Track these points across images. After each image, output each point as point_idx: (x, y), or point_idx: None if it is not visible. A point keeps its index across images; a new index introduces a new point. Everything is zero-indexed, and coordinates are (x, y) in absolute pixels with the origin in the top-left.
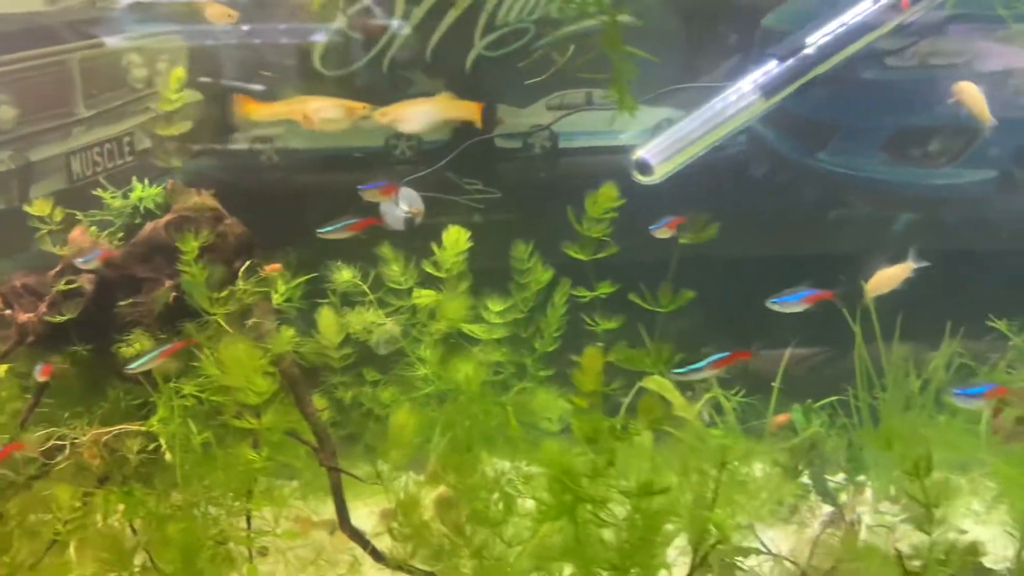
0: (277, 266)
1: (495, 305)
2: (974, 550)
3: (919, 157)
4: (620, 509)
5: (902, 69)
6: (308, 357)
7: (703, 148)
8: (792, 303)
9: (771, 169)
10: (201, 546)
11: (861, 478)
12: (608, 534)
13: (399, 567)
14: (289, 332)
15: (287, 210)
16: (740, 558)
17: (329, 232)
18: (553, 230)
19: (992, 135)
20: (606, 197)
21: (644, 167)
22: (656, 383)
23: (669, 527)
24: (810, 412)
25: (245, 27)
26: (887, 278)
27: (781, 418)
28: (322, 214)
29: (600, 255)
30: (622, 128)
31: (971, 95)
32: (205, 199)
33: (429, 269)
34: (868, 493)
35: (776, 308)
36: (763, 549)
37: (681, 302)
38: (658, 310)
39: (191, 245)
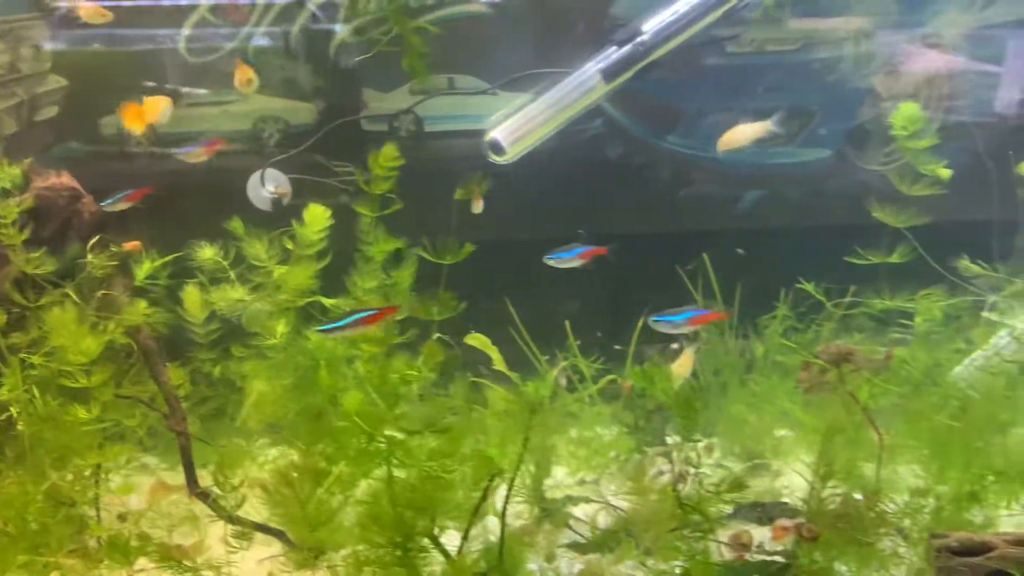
0: (136, 244)
1: (361, 281)
2: (739, 484)
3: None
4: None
5: (741, 55)
6: (161, 330)
7: (552, 129)
8: (567, 259)
9: (626, 151)
10: (45, 507)
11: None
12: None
13: (231, 520)
14: (142, 304)
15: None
16: (572, 506)
17: None
18: (418, 210)
19: (827, 117)
20: (386, 156)
21: (497, 147)
22: (477, 340)
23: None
24: (649, 374)
25: None
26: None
27: (626, 384)
28: (189, 195)
29: (387, 211)
30: (486, 113)
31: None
32: (63, 179)
33: (290, 246)
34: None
35: (553, 264)
36: (596, 498)
37: (462, 255)
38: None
39: (10, 210)
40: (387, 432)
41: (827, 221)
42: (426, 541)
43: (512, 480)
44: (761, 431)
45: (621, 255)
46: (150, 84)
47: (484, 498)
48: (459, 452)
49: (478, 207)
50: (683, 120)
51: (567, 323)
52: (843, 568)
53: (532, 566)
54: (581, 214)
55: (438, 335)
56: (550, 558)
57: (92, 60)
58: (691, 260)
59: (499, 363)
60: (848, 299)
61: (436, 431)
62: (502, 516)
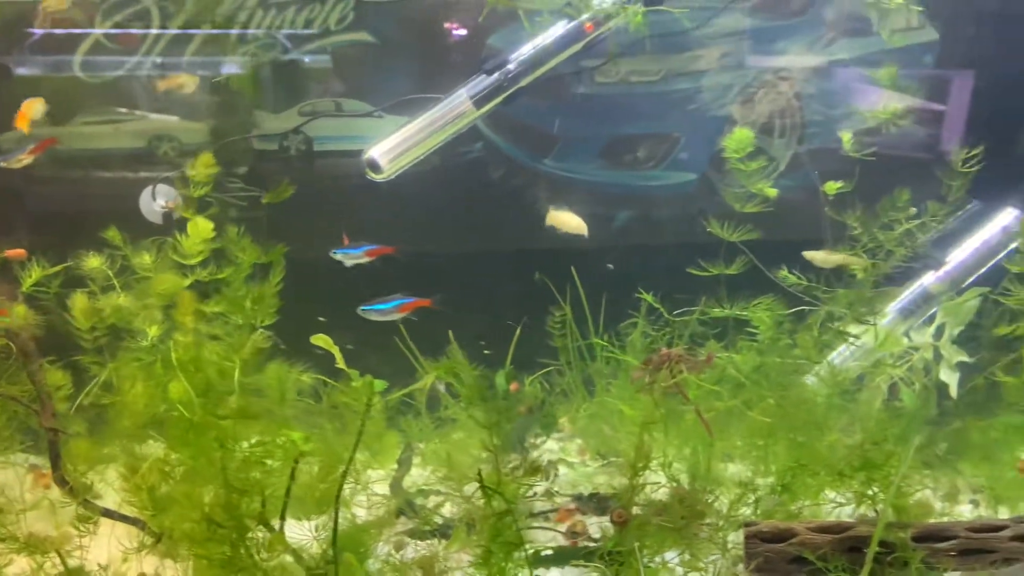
0: (20, 252)
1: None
2: (536, 469)
3: (631, 162)
4: None
5: (608, 85)
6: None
7: (426, 149)
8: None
9: (505, 173)
10: None
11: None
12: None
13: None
14: (21, 308)
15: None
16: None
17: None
18: (305, 225)
19: (690, 143)
20: (203, 163)
21: (374, 166)
22: (321, 340)
23: None
24: (510, 376)
25: None
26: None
27: (512, 387)
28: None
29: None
30: (371, 134)
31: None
32: None
33: (175, 257)
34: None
35: (373, 316)
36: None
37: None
38: None
39: None
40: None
41: (692, 239)
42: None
43: (345, 471)
44: (620, 430)
45: (501, 271)
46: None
47: (292, 477)
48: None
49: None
50: (558, 144)
51: (450, 333)
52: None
53: (382, 552)
54: (465, 231)
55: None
56: (399, 546)
57: None
58: (590, 273)
59: (340, 362)
60: (700, 308)
61: (246, 417)
62: (335, 505)
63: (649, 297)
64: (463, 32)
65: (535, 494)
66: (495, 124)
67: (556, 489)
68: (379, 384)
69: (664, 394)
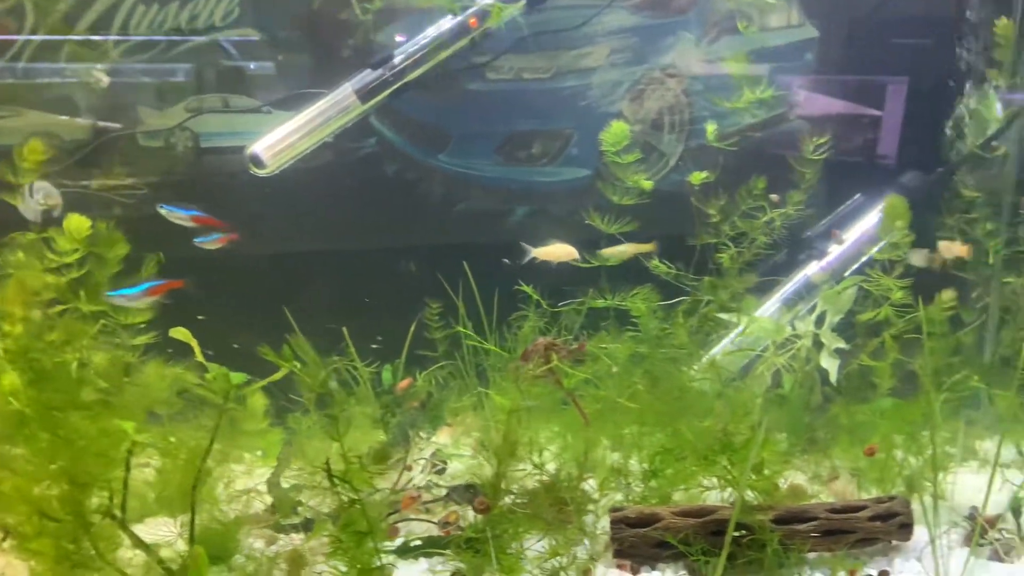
0: None
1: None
2: (383, 457)
3: (526, 158)
4: None
5: (500, 81)
6: None
7: (311, 144)
8: (135, 295)
9: (400, 169)
10: None
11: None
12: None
13: None
14: None
15: None
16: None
17: None
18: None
19: (583, 139)
20: (32, 150)
21: (257, 161)
22: (180, 333)
23: None
24: (397, 370)
25: None
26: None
27: (404, 382)
28: None
29: None
30: (258, 130)
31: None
32: None
33: (52, 257)
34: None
35: (120, 302)
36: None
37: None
38: None
39: None
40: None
41: (587, 234)
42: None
43: (201, 467)
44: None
45: (399, 266)
46: None
47: (127, 469)
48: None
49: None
50: (451, 140)
51: (345, 330)
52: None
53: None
54: (359, 227)
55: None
56: (271, 541)
57: None
58: (488, 270)
59: (199, 355)
60: (581, 300)
61: (79, 408)
62: (191, 500)
63: (529, 289)
64: (351, 27)
65: (450, 493)
66: (389, 120)
67: (435, 481)
68: (237, 377)
69: (537, 382)
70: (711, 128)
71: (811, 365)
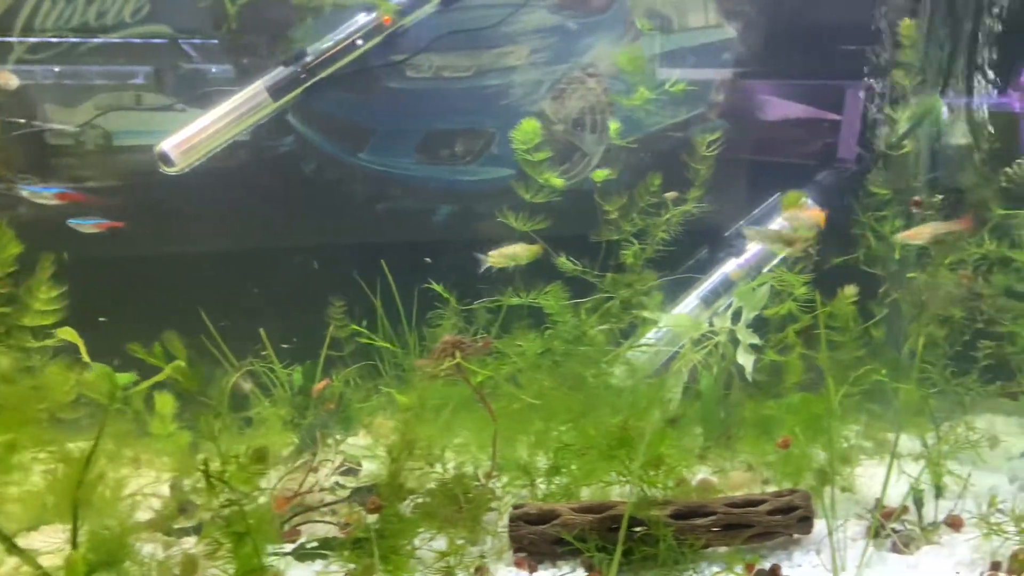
0: None
1: None
2: (261, 457)
3: (447, 157)
4: None
5: (420, 80)
6: None
7: (222, 142)
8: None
9: (318, 167)
10: None
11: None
12: None
13: None
14: None
15: None
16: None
17: None
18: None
19: (504, 139)
20: None
21: (165, 159)
22: (67, 333)
23: None
24: (311, 371)
25: None
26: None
27: (320, 384)
28: None
29: None
30: (173, 128)
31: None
32: None
33: None
34: None
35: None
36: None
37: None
38: None
39: None
40: None
41: (509, 233)
42: None
43: (85, 470)
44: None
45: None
46: None
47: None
48: None
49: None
50: (372, 138)
51: (262, 331)
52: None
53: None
54: (276, 226)
55: None
56: (169, 545)
57: None
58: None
59: (84, 354)
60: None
61: None
62: (73, 505)
63: (439, 288)
64: (269, 24)
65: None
66: (307, 118)
67: (341, 482)
68: (124, 378)
69: (446, 380)
70: (614, 126)
71: (725, 361)
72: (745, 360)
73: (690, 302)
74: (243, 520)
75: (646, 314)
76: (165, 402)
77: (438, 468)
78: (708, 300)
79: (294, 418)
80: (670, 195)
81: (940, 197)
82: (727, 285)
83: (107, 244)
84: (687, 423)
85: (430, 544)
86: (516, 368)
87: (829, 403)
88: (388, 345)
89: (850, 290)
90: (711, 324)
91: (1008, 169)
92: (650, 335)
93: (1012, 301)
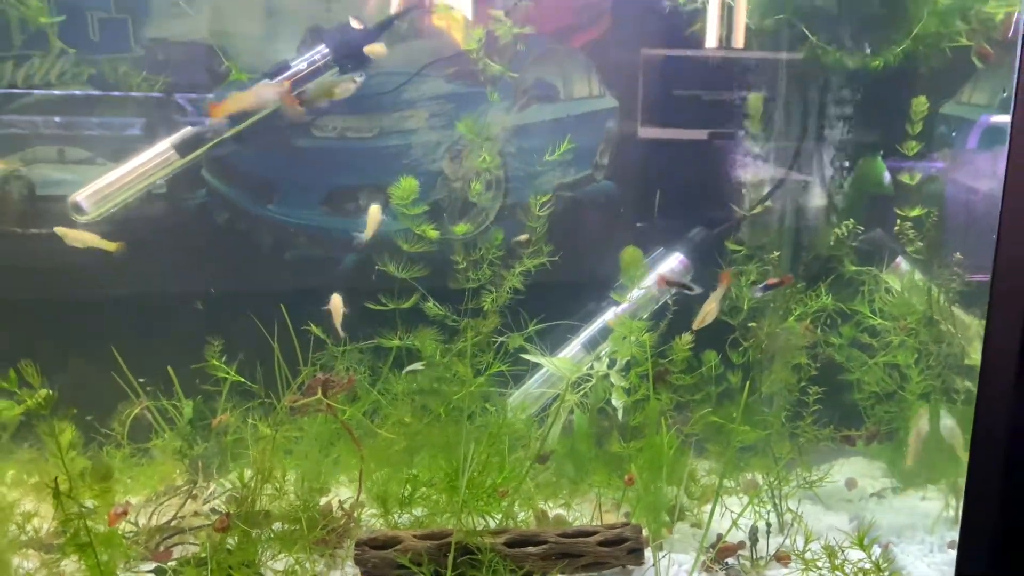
0: None
1: None
2: (105, 475)
3: (352, 210)
4: None
5: (326, 139)
6: None
7: (131, 194)
8: None
9: (230, 217)
10: None
11: None
12: None
13: None
14: None
15: None
16: None
17: None
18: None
19: None
20: None
21: (78, 208)
22: None
23: None
24: (199, 406)
25: None
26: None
27: (218, 418)
28: None
29: None
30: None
31: None
32: None
33: None
34: None
35: None
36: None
37: None
38: None
39: None
40: None
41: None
42: None
43: None
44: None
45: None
46: None
47: None
48: None
49: None
50: (280, 191)
51: (169, 368)
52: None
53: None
54: (193, 273)
55: None
56: (47, 562)
57: None
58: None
59: None
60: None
61: None
62: None
63: (317, 330)
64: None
65: (193, 512)
66: (220, 173)
67: (216, 508)
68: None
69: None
70: (476, 187)
71: (593, 404)
72: (618, 403)
73: (573, 347)
74: (87, 534)
75: (530, 357)
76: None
77: (295, 495)
78: (590, 345)
79: (183, 449)
80: (521, 238)
81: (777, 254)
82: (605, 332)
83: (31, 288)
84: (558, 459)
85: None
86: (383, 404)
87: (661, 443)
88: (245, 382)
89: (686, 338)
90: (591, 368)
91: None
92: (533, 379)
93: (856, 351)
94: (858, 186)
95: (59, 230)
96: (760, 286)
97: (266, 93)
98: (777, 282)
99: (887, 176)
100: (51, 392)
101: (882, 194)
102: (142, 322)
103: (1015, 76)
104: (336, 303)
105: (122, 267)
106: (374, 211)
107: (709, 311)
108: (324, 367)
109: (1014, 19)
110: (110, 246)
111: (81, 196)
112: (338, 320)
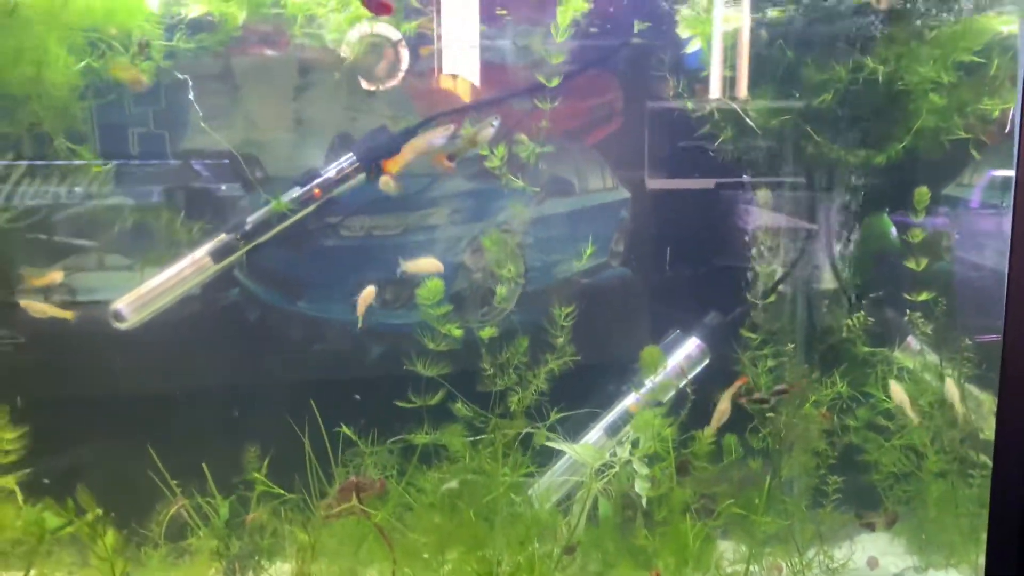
0: None
1: None
2: None
3: (379, 304)
4: None
5: (353, 238)
6: None
7: (169, 300)
8: None
9: (261, 314)
10: None
11: None
12: None
13: None
14: None
15: None
16: None
17: None
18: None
19: None
20: None
21: (119, 316)
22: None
23: None
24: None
25: None
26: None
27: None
28: None
29: None
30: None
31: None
32: None
33: None
34: None
35: None
36: None
37: None
38: None
39: None
40: None
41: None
42: None
43: None
44: None
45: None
46: None
47: None
48: None
49: None
50: (309, 289)
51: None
52: None
53: None
54: (223, 369)
55: None
56: None
57: None
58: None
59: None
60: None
61: None
62: None
63: (348, 430)
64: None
65: None
66: (252, 273)
67: None
68: (53, 521)
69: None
70: (500, 291)
71: (617, 490)
72: (642, 488)
73: (594, 433)
74: None
75: (551, 444)
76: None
77: None
78: (611, 431)
79: (219, 549)
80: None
81: (792, 345)
82: (627, 417)
83: (67, 385)
84: (584, 550)
85: None
86: (415, 504)
87: (687, 533)
88: (278, 490)
89: (709, 432)
90: (613, 454)
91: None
92: (557, 466)
93: (872, 434)
94: (865, 244)
95: (23, 302)
96: (772, 392)
97: (434, 138)
98: (785, 389)
99: (893, 231)
100: (100, 513)
101: (888, 250)
102: (178, 419)
103: (1015, 172)
104: (367, 295)
105: (159, 366)
106: (367, 294)
107: (723, 410)
108: (355, 468)
109: (1009, 115)
110: (67, 315)
111: (121, 304)
112: (362, 309)
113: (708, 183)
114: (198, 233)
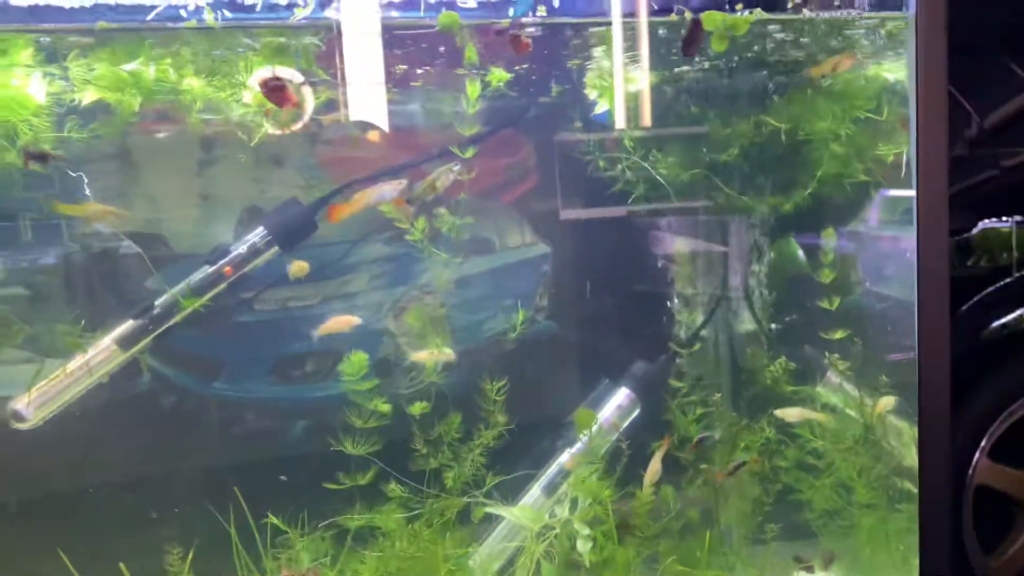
0: None
1: None
2: None
3: (300, 377)
4: None
5: (268, 311)
6: None
7: (74, 394)
8: None
9: (176, 400)
10: None
11: None
12: None
13: None
14: None
15: None
16: None
17: None
18: None
19: None
20: None
21: (19, 416)
22: None
23: None
24: None
25: None
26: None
27: None
28: None
29: None
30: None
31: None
32: None
33: None
34: None
35: None
36: None
37: None
38: None
39: None
40: None
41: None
42: None
43: None
44: None
45: None
46: None
47: None
48: None
49: None
50: (225, 368)
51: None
52: None
53: None
54: (137, 459)
55: None
56: None
57: None
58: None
59: None
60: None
61: None
62: None
63: (276, 520)
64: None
65: None
66: (162, 357)
67: None
68: None
69: None
70: (429, 365)
71: (559, 552)
72: (583, 548)
73: (532, 494)
74: None
75: (490, 510)
76: None
77: None
78: (549, 490)
79: None
80: None
81: (718, 395)
82: (564, 474)
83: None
84: None
85: None
86: None
87: None
88: None
89: (647, 492)
90: (553, 514)
91: None
92: (495, 532)
93: (802, 473)
94: (777, 267)
95: None
96: (733, 466)
97: (386, 190)
98: (743, 462)
99: (801, 254)
100: None
101: (799, 272)
102: (91, 518)
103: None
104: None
105: (67, 463)
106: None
107: (654, 471)
108: (287, 560)
109: (903, 159)
110: None
111: (21, 404)
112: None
113: (625, 234)
114: (101, 320)
